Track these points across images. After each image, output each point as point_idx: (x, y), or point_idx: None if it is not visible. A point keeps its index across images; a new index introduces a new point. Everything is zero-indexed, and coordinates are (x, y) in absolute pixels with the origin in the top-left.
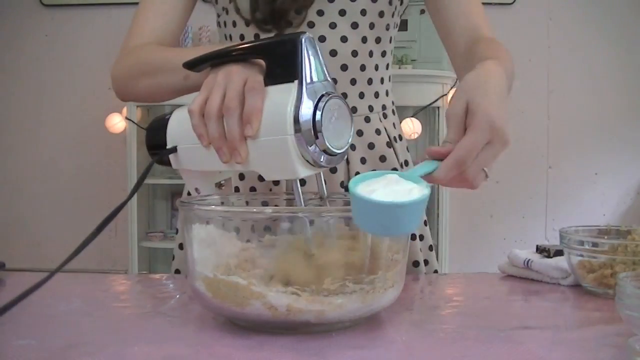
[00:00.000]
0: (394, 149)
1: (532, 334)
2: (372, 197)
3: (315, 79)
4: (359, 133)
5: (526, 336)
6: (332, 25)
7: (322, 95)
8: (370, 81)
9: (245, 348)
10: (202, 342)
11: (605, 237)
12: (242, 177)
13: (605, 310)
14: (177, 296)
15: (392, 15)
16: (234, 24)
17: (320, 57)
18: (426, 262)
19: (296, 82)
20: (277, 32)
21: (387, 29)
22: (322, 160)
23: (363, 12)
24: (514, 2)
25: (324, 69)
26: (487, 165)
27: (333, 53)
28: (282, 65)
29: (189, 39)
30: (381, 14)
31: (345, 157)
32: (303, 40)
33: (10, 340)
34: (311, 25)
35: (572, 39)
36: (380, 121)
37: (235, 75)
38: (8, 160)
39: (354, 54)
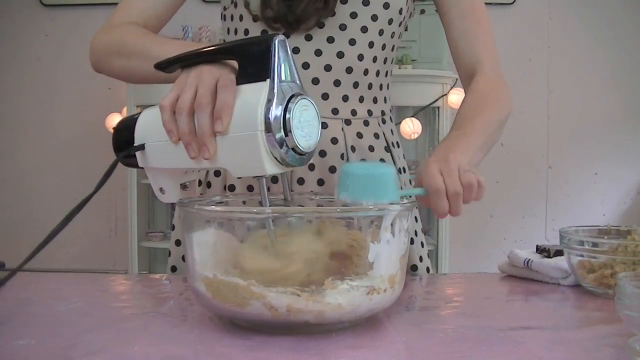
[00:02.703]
0: (391, 154)
1: (532, 334)
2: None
3: (286, 79)
4: (359, 135)
5: (526, 336)
6: (342, 27)
7: (293, 96)
8: (370, 86)
9: (245, 348)
10: (202, 342)
11: (605, 237)
12: (217, 174)
13: (605, 310)
14: (177, 296)
15: (399, 25)
16: (241, 18)
17: (291, 59)
18: (420, 258)
19: (268, 80)
20: (285, 31)
21: (392, 37)
22: (290, 159)
23: (374, 18)
24: (514, 2)
25: (295, 70)
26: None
27: (340, 55)
28: (254, 65)
29: (188, 39)
30: (390, 22)
31: (311, 159)
32: (276, 41)
33: (10, 340)
34: (321, 25)
35: (572, 39)
36: (379, 126)
37: (206, 73)
38: (8, 160)
39: (360, 57)
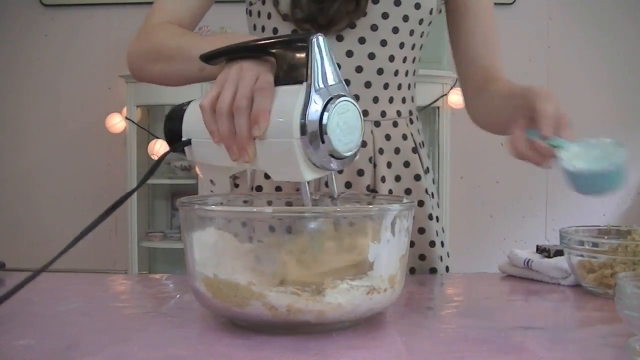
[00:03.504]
0: (418, 155)
1: (532, 334)
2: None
3: (324, 80)
4: (387, 137)
5: (526, 336)
6: (374, 28)
7: (331, 98)
8: (400, 86)
9: (245, 348)
10: (202, 342)
11: (605, 237)
12: (267, 176)
13: (605, 310)
14: (177, 296)
15: (429, 24)
16: (269, 16)
17: (332, 57)
18: (423, 256)
19: (304, 84)
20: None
21: (422, 36)
22: (329, 163)
23: (405, 18)
24: (514, 2)
25: (336, 69)
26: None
27: (371, 56)
28: (291, 66)
29: None
30: (420, 22)
31: (355, 157)
32: (314, 40)
33: (10, 340)
34: (352, 26)
35: (572, 39)
36: (407, 126)
37: (246, 72)
38: (8, 160)
39: (391, 58)
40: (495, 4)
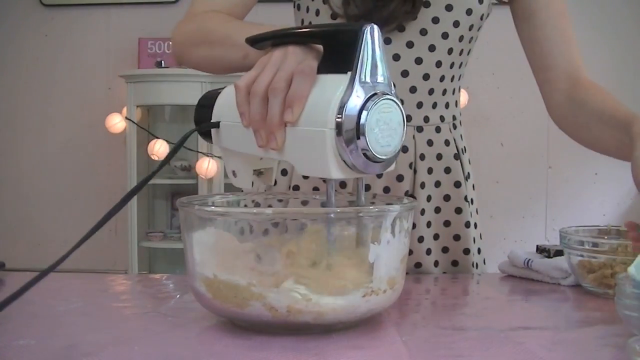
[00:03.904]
0: (460, 161)
1: (532, 334)
2: None
3: (371, 74)
4: (429, 143)
5: (526, 336)
6: (423, 32)
7: (375, 94)
8: (444, 92)
9: (245, 348)
10: (202, 342)
11: (605, 237)
12: (284, 172)
13: (605, 310)
14: (177, 296)
15: (478, 30)
16: (317, 13)
17: (383, 53)
18: (456, 262)
19: (349, 73)
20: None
21: (470, 42)
22: (362, 164)
23: (456, 24)
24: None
25: (384, 66)
26: None
27: (418, 61)
28: (338, 55)
29: None
30: (471, 28)
31: (389, 167)
32: (367, 30)
33: (10, 340)
34: (401, 29)
35: None
36: (450, 132)
37: (290, 56)
38: (8, 160)
39: (438, 64)
40: (495, 3)
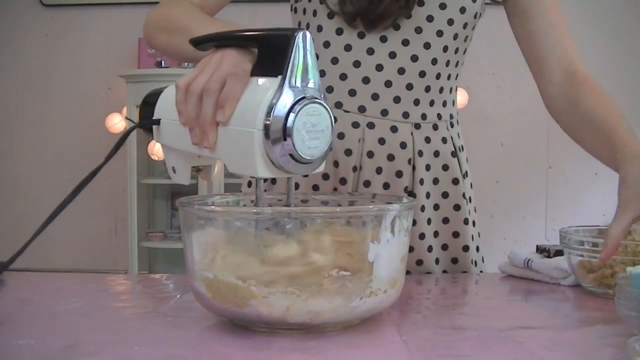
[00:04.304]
0: (457, 159)
1: (532, 334)
2: None
3: (302, 79)
4: (427, 140)
5: (526, 336)
6: (418, 30)
7: (303, 98)
8: (441, 90)
9: (245, 348)
10: (202, 342)
11: None
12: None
13: (605, 310)
14: (177, 296)
15: (473, 28)
16: (314, 13)
17: (313, 58)
18: (456, 260)
19: (279, 77)
20: (362, 29)
21: (465, 41)
22: (288, 164)
23: (450, 22)
24: None
25: (315, 72)
26: None
27: (414, 58)
28: (271, 58)
29: None
30: (465, 26)
31: (317, 168)
32: (299, 36)
33: (10, 340)
34: (397, 27)
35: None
36: (448, 130)
37: (226, 58)
38: (8, 160)
39: (434, 61)
40: (495, 2)
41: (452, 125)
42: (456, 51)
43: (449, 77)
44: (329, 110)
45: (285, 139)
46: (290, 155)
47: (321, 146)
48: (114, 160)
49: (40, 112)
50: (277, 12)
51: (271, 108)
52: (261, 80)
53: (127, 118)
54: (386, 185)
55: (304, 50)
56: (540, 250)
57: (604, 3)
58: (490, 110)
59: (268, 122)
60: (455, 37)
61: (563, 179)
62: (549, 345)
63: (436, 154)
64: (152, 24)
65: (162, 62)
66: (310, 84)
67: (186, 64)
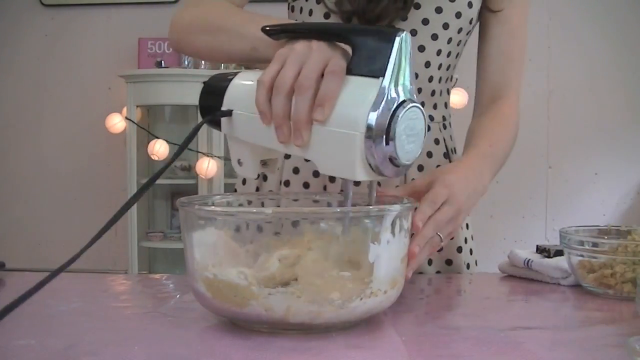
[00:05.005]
0: (450, 161)
1: (532, 334)
2: None
3: (401, 82)
4: None
5: (526, 336)
6: (413, 33)
7: (404, 101)
8: (433, 92)
9: (245, 348)
10: (202, 342)
11: (605, 237)
12: (296, 171)
13: (605, 310)
14: (177, 296)
15: (467, 33)
16: (310, 13)
17: (411, 60)
18: (450, 261)
19: (381, 79)
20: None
21: (459, 45)
22: (386, 168)
23: (445, 26)
24: None
25: (412, 74)
26: (441, 229)
27: None
28: (370, 57)
29: None
30: (459, 31)
31: (406, 171)
32: (401, 37)
33: (10, 340)
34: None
35: (572, 39)
36: (440, 131)
37: (316, 52)
38: (8, 160)
39: (427, 64)
40: (490, 11)
41: (444, 127)
42: (448, 55)
43: (440, 80)
44: (425, 113)
45: (387, 143)
46: (390, 158)
47: (416, 149)
48: (114, 160)
49: (40, 112)
50: (274, 12)
51: (375, 111)
52: (360, 80)
53: (127, 118)
54: (378, 184)
55: (405, 52)
56: (540, 250)
57: (605, 3)
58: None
59: (371, 126)
60: (450, 41)
61: (563, 179)
62: (549, 345)
63: (429, 154)
64: (187, 26)
65: (162, 62)
66: (408, 86)
67: (186, 63)
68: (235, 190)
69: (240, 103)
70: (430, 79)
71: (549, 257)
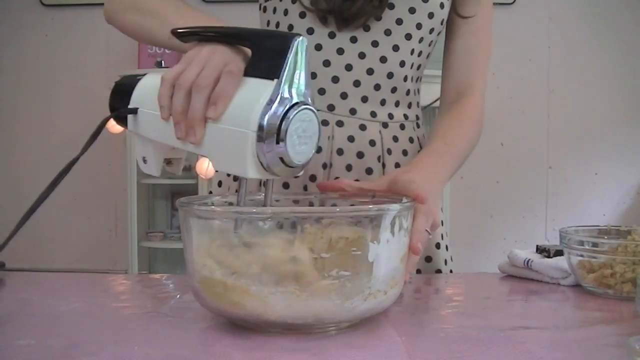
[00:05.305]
0: None
1: (532, 334)
2: None
3: (295, 85)
4: (395, 139)
5: (526, 336)
6: (388, 32)
7: (297, 103)
8: (407, 92)
9: (245, 348)
10: (202, 342)
11: (605, 237)
12: None
13: (605, 310)
14: (177, 296)
15: (438, 34)
16: (285, 12)
17: (307, 65)
18: (430, 258)
19: (276, 81)
20: (334, 29)
21: (430, 45)
22: (277, 167)
23: (418, 26)
24: (514, 2)
25: (308, 77)
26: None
27: (383, 60)
28: (267, 60)
29: None
30: (431, 31)
31: (299, 172)
32: (297, 42)
33: (10, 340)
34: (367, 29)
35: (572, 39)
36: (414, 130)
37: (218, 54)
38: (8, 160)
39: (402, 64)
40: (495, 4)
41: (418, 126)
42: (420, 54)
43: (412, 79)
44: (318, 117)
45: (278, 143)
46: (281, 158)
47: (308, 151)
48: (114, 160)
49: (40, 112)
50: (244, 12)
51: (267, 111)
52: (256, 81)
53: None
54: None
55: (301, 56)
56: (540, 250)
57: (605, 3)
58: (490, 110)
59: (263, 125)
60: (421, 40)
61: (563, 179)
62: (549, 345)
63: (404, 152)
64: (119, 1)
65: (162, 62)
66: (302, 89)
67: None
68: (211, 192)
69: (146, 101)
70: (405, 79)
71: (549, 257)
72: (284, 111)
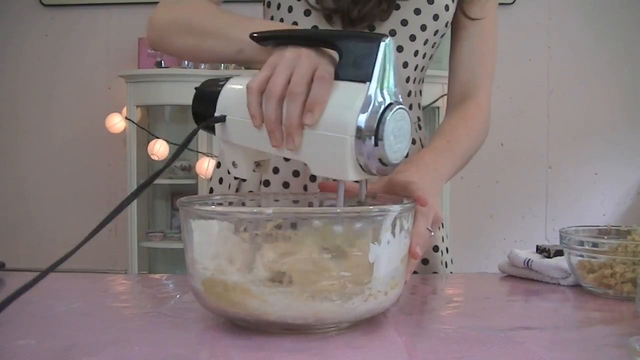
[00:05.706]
0: None
1: (532, 334)
2: None
3: (387, 85)
4: None
5: (526, 336)
6: (392, 33)
7: (391, 104)
8: (409, 93)
9: (245, 348)
10: (202, 342)
11: (605, 237)
12: (275, 170)
13: (605, 310)
14: (177, 296)
15: (441, 36)
16: (290, 9)
17: (395, 64)
18: (426, 261)
19: (368, 84)
20: (341, 28)
21: (433, 47)
22: (375, 167)
23: (423, 28)
24: (514, 2)
25: (397, 76)
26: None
27: None
28: (357, 63)
29: None
30: (435, 33)
31: (393, 171)
32: (386, 42)
33: (10, 340)
34: (371, 29)
35: (572, 39)
36: (416, 131)
37: (305, 59)
38: (8, 160)
39: (405, 65)
40: (466, 16)
41: (420, 127)
42: (424, 56)
43: (415, 81)
44: (410, 115)
45: (376, 145)
46: (379, 159)
47: (403, 149)
48: (114, 160)
49: (40, 112)
50: (246, 12)
51: (364, 115)
52: (348, 85)
53: (127, 118)
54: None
55: (388, 56)
56: (540, 250)
57: (605, 3)
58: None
59: (361, 129)
60: (426, 42)
61: (563, 179)
62: (549, 345)
63: (406, 154)
64: (168, 25)
65: (162, 62)
66: (393, 89)
67: (186, 63)
68: (212, 190)
69: (233, 108)
70: (407, 80)
71: (548, 257)
72: (380, 113)
